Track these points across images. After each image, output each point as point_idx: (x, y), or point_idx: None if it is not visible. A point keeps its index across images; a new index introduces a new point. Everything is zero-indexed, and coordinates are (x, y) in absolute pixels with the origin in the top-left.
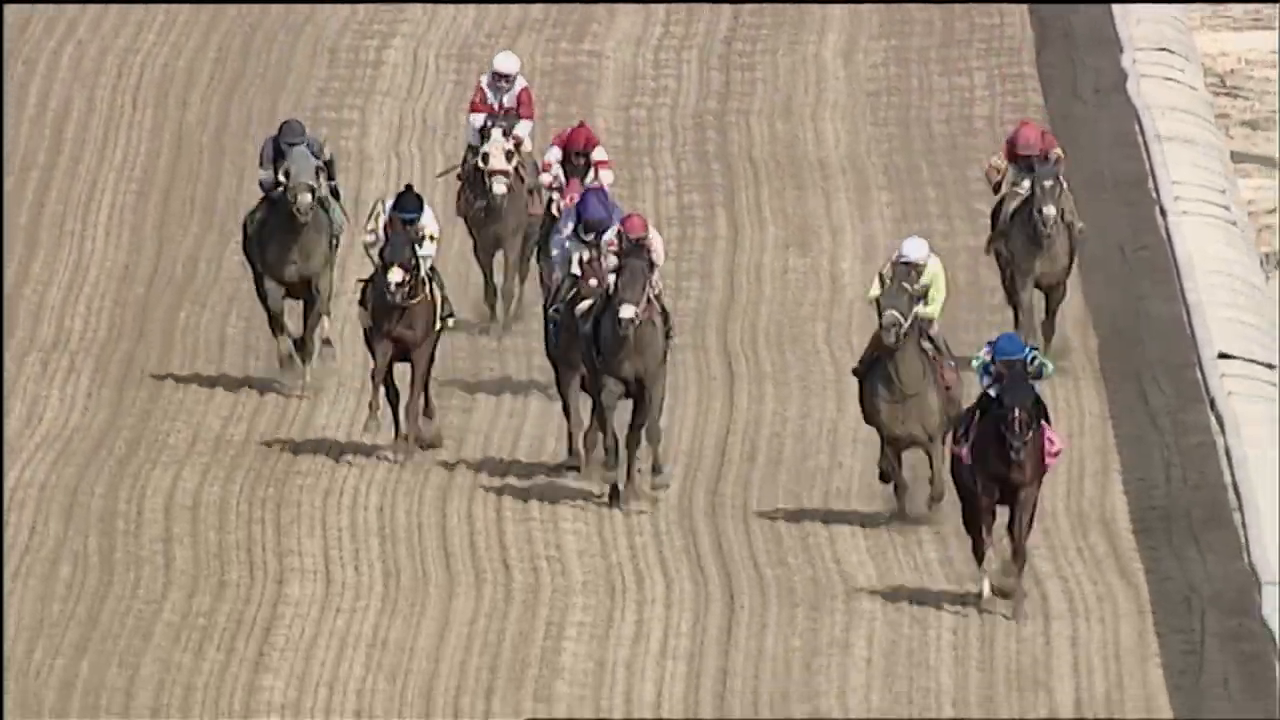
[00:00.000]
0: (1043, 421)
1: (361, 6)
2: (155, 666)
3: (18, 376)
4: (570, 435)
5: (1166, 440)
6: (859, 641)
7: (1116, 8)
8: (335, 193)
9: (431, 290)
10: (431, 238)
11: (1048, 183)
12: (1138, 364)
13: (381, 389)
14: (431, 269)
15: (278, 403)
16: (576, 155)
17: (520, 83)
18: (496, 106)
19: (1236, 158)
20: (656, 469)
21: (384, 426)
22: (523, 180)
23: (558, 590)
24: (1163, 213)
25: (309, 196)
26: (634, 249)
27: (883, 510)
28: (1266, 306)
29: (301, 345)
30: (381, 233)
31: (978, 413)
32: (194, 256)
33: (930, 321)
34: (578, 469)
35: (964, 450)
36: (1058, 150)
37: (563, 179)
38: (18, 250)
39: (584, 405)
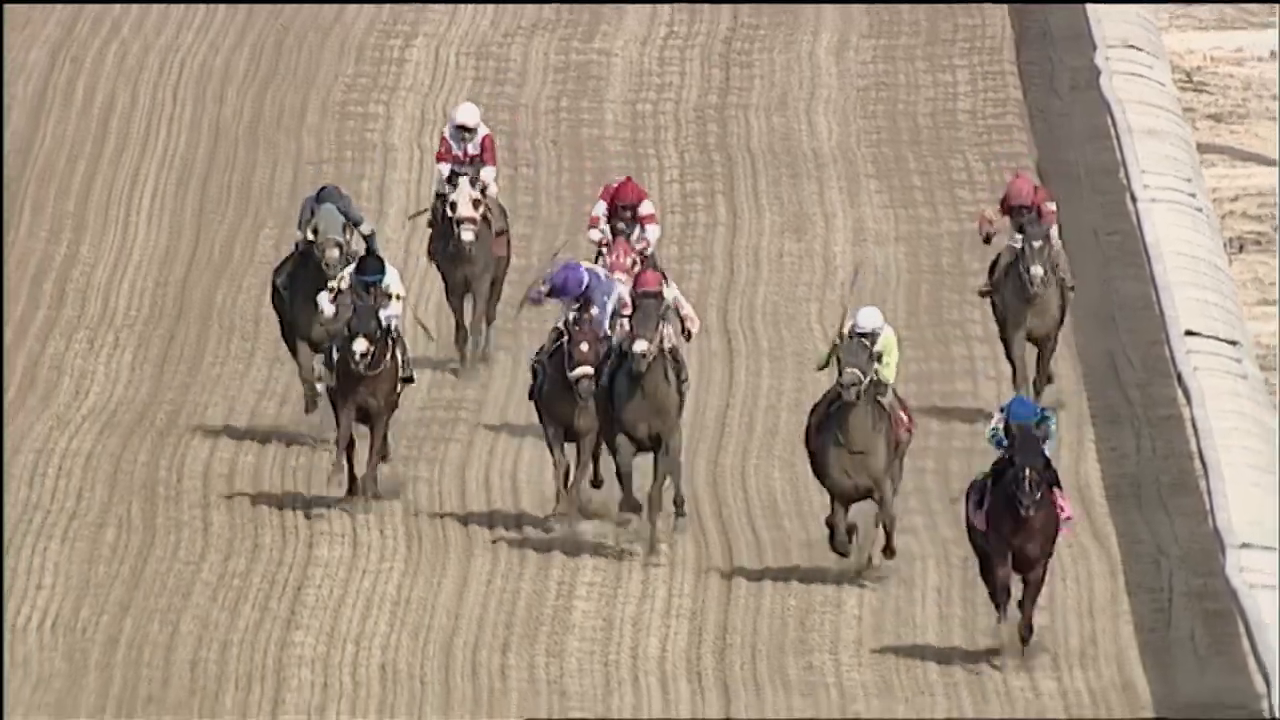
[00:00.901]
0: (1054, 488)
1: (386, 8)
2: (194, 623)
3: (65, 352)
4: (556, 476)
5: (1137, 412)
6: (850, 600)
7: (1090, 9)
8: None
9: (394, 353)
10: (397, 297)
11: (1037, 243)
12: (1110, 341)
13: (344, 453)
14: (395, 330)
15: None
16: (623, 209)
17: (482, 130)
18: (461, 155)
19: (1202, 149)
20: (677, 502)
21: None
22: (489, 225)
23: (569, 552)
24: (1133, 200)
25: (336, 252)
26: (647, 295)
27: (834, 567)
28: (1229, 287)
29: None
30: (343, 292)
31: (991, 480)
32: (230, 240)
33: (886, 386)
34: (564, 513)
35: (979, 516)
36: (1051, 205)
37: (610, 236)
38: (66, 235)
39: (570, 449)
